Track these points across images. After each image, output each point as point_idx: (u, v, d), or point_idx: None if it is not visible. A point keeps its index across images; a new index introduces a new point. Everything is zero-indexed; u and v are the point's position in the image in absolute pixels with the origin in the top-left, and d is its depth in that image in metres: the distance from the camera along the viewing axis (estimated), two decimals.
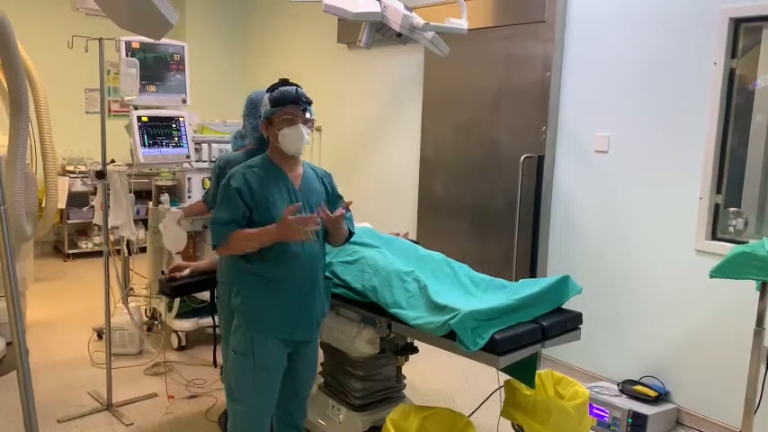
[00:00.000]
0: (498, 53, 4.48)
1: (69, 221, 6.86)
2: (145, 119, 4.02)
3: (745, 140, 3.41)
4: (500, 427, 3.01)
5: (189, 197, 4.47)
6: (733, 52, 3.35)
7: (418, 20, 3.41)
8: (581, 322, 2.67)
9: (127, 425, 3.42)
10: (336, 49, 6.02)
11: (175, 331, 4.44)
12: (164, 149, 4.07)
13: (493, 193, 4.54)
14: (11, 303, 1.74)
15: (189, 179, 4.49)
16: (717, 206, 3.46)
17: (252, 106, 3.05)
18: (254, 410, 2.50)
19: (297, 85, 2.46)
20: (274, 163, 2.48)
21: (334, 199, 2.61)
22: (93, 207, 5.16)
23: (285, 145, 2.41)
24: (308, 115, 2.42)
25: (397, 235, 3.41)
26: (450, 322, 2.32)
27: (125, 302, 4.19)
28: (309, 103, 2.45)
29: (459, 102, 4.80)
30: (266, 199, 2.39)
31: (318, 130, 6.22)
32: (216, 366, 3.55)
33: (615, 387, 3.67)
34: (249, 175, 2.42)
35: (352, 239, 2.73)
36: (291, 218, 2.26)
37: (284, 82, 2.47)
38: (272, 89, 2.47)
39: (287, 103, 2.40)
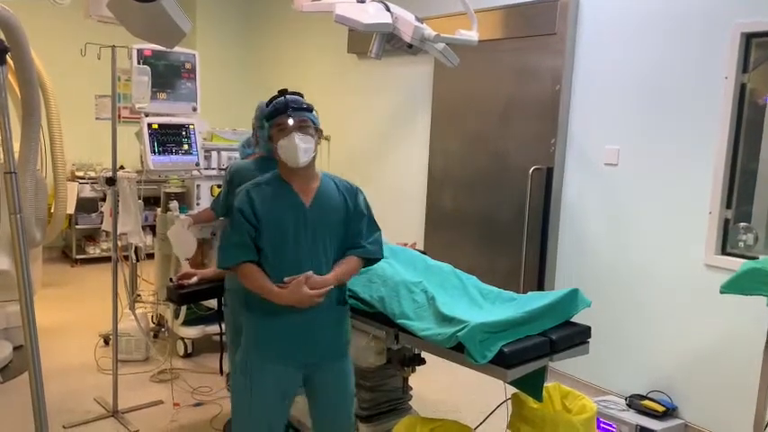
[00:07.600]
0: (508, 65, 4.49)
1: (78, 227, 6.88)
2: (155, 126, 4.04)
3: (756, 155, 3.40)
4: None
5: (198, 204, 4.49)
6: (744, 67, 3.35)
7: (429, 31, 3.41)
8: (590, 336, 2.65)
9: None
10: (346, 59, 6.04)
11: (182, 338, 4.44)
12: (173, 157, 4.09)
13: (501, 204, 4.54)
14: (25, 312, 1.74)
15: (198, 186, 4.51)
16: (727, 221, 3.45)
17: (262, 114, 3.06)
18: (252, 429, 2.43)
19: (296, 94, 2.38)
20: (283, 179, 2.37)
21: (355, 217, 2.41)
22: (101, 213, 5.17)
23: (284, 157, 2.30)
24: (290, 122, 2.27)
25: (405, 245, 3.40)
26: (459, 334, 2.31)
27: (132, 309, 4.20)
28: (302, 108, 2.33)
29: (468, 113, 4.81)
30: (269, 219, 2.29)
31: (327, 139, 6.22)
32: (222, 374, 3.55)
33: (623, 401, 3.65)
34: (254, 193, 2.33)
35: None
36: (313, 293, 2.23)
37: (281, 93, 2.38)
38: (268, 103, 2.41)
39: (277, 115, 2.31)
